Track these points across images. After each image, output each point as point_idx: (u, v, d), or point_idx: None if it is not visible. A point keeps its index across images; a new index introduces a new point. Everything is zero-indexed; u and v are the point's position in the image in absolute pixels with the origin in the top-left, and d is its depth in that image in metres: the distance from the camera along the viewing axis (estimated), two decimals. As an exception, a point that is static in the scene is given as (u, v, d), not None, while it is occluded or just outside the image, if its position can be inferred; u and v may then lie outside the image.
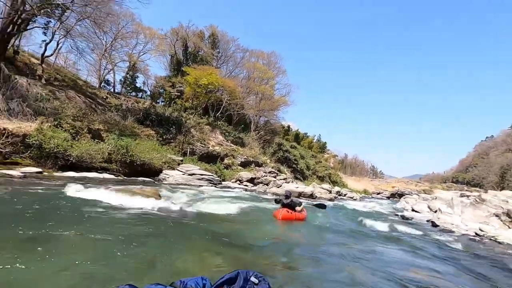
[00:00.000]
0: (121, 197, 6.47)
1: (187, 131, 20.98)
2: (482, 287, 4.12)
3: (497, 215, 9.86)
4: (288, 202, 8.00)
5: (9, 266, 2.55)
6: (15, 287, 2.30)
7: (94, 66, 26.03)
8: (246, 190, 16.68)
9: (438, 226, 10.02)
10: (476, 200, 11.33)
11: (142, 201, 6.45)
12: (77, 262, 2.86)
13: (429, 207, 14.60)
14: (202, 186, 14.16)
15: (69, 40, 19.78)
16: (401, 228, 8.80)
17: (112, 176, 11.50)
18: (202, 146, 21.02)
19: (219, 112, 28.66)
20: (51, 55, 19.40)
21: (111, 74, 27.25)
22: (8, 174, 7.59)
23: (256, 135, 29.82)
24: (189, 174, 15.10)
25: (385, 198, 37.90)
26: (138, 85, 30.78)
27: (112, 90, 26.43)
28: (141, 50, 27.62)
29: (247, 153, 24.07)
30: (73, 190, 6.58)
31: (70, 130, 11.80)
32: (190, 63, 28.53)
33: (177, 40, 29.67)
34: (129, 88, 29.66)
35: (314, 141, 49.93)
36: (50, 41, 17.88)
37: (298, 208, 7.96)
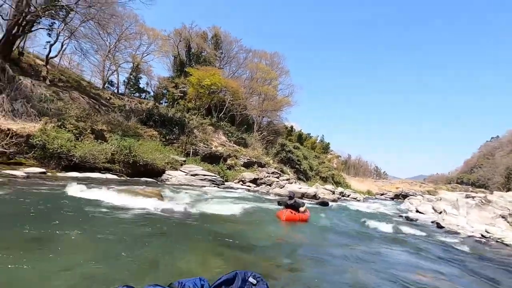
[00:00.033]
0: (124, 198, 6.48)
1: (190, 131, 21.01)
2: (489, 290, 4.05)
3: (503, 217, 9.71)
4: (292, 203, 7.95)
5: (13, 266, 2.55)
6: (18, 286, 2.30)
7: (98, 67, 26.25)
8: (249, 190, 16.64)
9: (443, 227, 9.90)
10: (482, 201, 11.18)
11: (144, 201, 6.44)
12: (79, 262, 2.86)
13: (433, 208, 14.45)
14: (204, 186, 14.14)
15: (73, 41, 19.99)
16: (406, 229, 8.71)
17: (115, 177, 11.53)
18: (205, 147, 21.03)
19: (222, 113, 28.67)
20: (56, 56, 19.53)
21: (115, 75, 27.45)
22: (12, 174, 7.63)
23: (259, 135, 29.78)
24: (192, 175, 15.09)
25: (389, 199, 37.61)
26: (141, 86, 30.97)
27: (115, 91, 26.56)
28: (144, 51, 27.79)
29: (250, 154, 24.04)
30: (76, 190, 6.59)
31: (74, 130, 11.86)
32: (193, 64, 28.60)
33: (180, 41, 29.77)
34: (132, 89, 29.81)
35: (317, 141, 49.79)
36: (55, 42, 18.00)
37: (301, 209, 7.92)
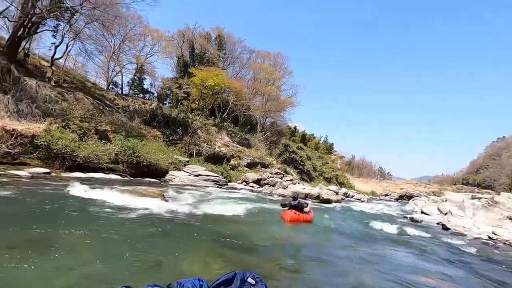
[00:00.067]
0: (127, 198, 6.48)
1: (193, 132, 21.04)
2: (498, 294, 3.96)
3: (510, 218, 9.56)
4: (296, 203, 7.92)
5: (16, 265, 2.57)
6: (21, 285, 2.30)
7: (102, 68, 26.40)
8: (252, 191, 16.60)
9: (449, 229, 9.77)
10: (489, 203, 11.01)
11: (148, 201, 6.44)
12: (82, 262, 2.86)
13: (439, 209, 14.28)
14: (208, 187, 14.13)
15: (78, 42, 20.11)
16: (410, 230, 8.61)
17: (118, 177, 11.56)
18: (209, 147, 21.04)
19: (226, 113, 28.68)
20: (61, 57, 19.67)
21: (119, 76, 27.62)
22: (16, 175, 7.68)
23: (262, 136, 29.73)
24: (195, 175, 15.09)
25: (393, 200, 37.35)
26: (145, 86, 31.07)
27: (120, 91, 26.70)
28: (148, 52, 27.93)
29: (253, 154, 24.01)
30: (80, 191, 6.61)
31: (78, 131, 11.93)
32: (197, 65, 28.66)
33: (183, 42, 29.86)
34: (136, 90, 29.94)
35: (321, 142, 49.59)
36: (60, 43, 18.14)
37: (305, 209, 7.88)
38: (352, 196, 24.60)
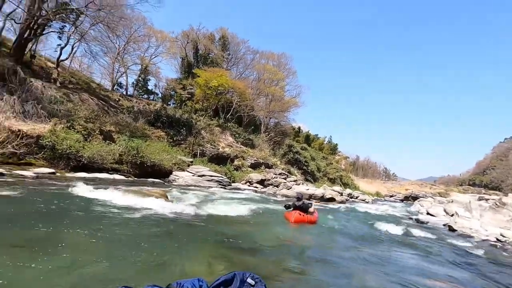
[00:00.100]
0: (131, 198, 6.49)
1: (197, 132, 21.07)
2: (507, 297, 3.86)
3: (519, 220, 9.37)
4: (300, 204, 7.87)
5: (21, 264, 2.57)
6: (25, 285, 2.30)
7: (107, 69, 26.66)
8: (256, 191, 16.56)
9: (455, 230, 9.61)
10: (496, 204, 10.81)
11: (151, 202, 6.43)
12: (85, 261, 2.86)
13: (445, 210, 14.07)
14: (211, 187, 14.13)
15: (83, 44, 20.30)
16: (416, 232, 8.48)
17: (122, 177, 11.60)
18: (212, 148, 21.05)
19: (229, 114, 28.69)
20: (66, 59, 19.87)
21: (124, 77, 27.83)
22: (21, 175, 7.74)
23: (266, 136, 29.68)
24: (199, 176, 15.10)
25: (398, 200, 37.01)
26: (149, 87, 31.24)
27: (124, 92, 26.88)
28: (152, 53, 28.10)
29: (257, 155, 23.97)
30: (84, 191, 6.64)
31: (82, 131, 12.02)
32: (201, 65, 28.73)
33: (187, 42, 29.99)
34: (141, 91, 30.13)
35: (325, 142, 49.36)
36: (65, 45, 18.33)
37: (310, 210, 7.83)
38: (357, 197, 24.40)
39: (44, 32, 16.67)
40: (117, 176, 11.41)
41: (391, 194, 42.28)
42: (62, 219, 4.36)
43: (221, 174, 16.67)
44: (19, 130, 9.48)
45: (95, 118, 13.90)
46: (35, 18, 14.13)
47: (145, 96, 30.09)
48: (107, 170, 11.59)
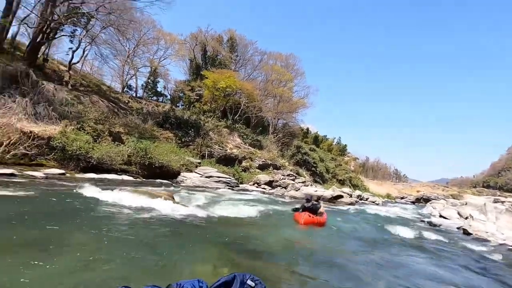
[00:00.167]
0: (139, 199, 6.49)
1: (205, 134, 21.13)
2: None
3: (539, 224, 8.97)
4: (309, 205, 7.74)
5: (28, 263, 2.59)
6: (32, 283, 2.31)
7: (118, 71, 27.13)
8: (264, 193, 16.46)
9: (470, 234, 9.28)
10: (514, 207, 10.41)
11: (159, 203, 6.42)
12: (92, 261, 2.88)
13: (458, 213, 13.64)
14: (219, 188, 14.10)
15: (94, 47, 20.74)
16: (429, 235, 8.23)
17: (131, 178, 11.69)
18: (220, 149, 21.06)
19: (237, 115, 28.70)
20: (78, 62, 20.31)
21: (133, 79, 28.27)
22: (32, 176, 7.86)
23: (274, 137, 29.53)
24: (206, 177, 15.10)
25: (409, 203, 36.20)
26: (158, 89, 31.59)
27: (134, 94, 27.26)
28: (161, 56, 28.39)
29: (265, 156, 23.85)
30: (93, 191, 6.68)
31: (92, 133, 12.18)
32: (209, 67, 28.86)
33: (196, 44, 30.20)
34: (150, 93, 30.47)
35: (334, 143, 48.82)
36: (77, 48, 18.74)
37: (320, 211, 7.70)
38: (367, 199, 23.99)
39: (56, 36, 17.04)
40: (125, 177, 11.49)
41: (402, 196, 41.37)
42: (70, 220, 4.38)
43: (229, 175, 16.63)
44: (30, 132, 9.66)
45: (105, 120, 14.07)
46: (48, 22, 14.45)
47: (154, 98, 30.42)
48: (116, 171, 11.68)
